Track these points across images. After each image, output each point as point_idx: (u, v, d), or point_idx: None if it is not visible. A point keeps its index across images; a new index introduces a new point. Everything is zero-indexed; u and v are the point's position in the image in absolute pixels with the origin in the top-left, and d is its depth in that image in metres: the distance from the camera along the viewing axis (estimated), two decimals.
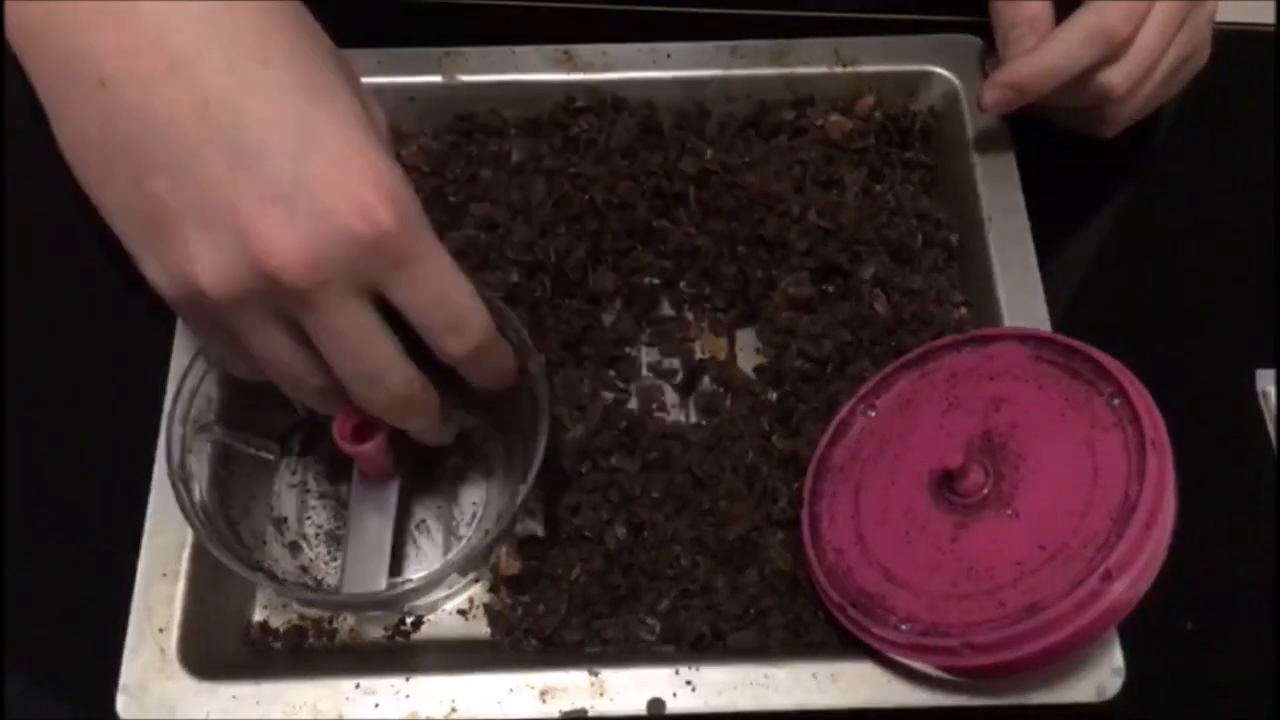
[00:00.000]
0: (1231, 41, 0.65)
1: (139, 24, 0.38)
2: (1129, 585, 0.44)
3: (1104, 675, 0.48)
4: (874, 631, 0.48)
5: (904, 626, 0.47)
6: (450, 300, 0.43)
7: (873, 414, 0.54)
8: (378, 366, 0.43)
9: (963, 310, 0.58)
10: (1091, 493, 0.46)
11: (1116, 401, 0.48)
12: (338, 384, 0.43)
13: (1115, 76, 0.57)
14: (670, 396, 0.58)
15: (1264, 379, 0.59)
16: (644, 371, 0.59)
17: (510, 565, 0.52)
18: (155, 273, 0.41)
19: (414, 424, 0.47)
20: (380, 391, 0.43)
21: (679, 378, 0.58)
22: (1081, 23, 0.56)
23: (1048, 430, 0.49)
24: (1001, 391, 0.51)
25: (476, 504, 0.55)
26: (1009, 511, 0.48)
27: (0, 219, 0.62)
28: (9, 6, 0.40)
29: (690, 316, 0.60)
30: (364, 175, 0.39)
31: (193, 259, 0.39)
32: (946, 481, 0.49)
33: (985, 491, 0.48)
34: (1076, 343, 0.50)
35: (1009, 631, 0.45)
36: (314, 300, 0.40)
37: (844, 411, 0.54)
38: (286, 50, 0.40)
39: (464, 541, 0.54)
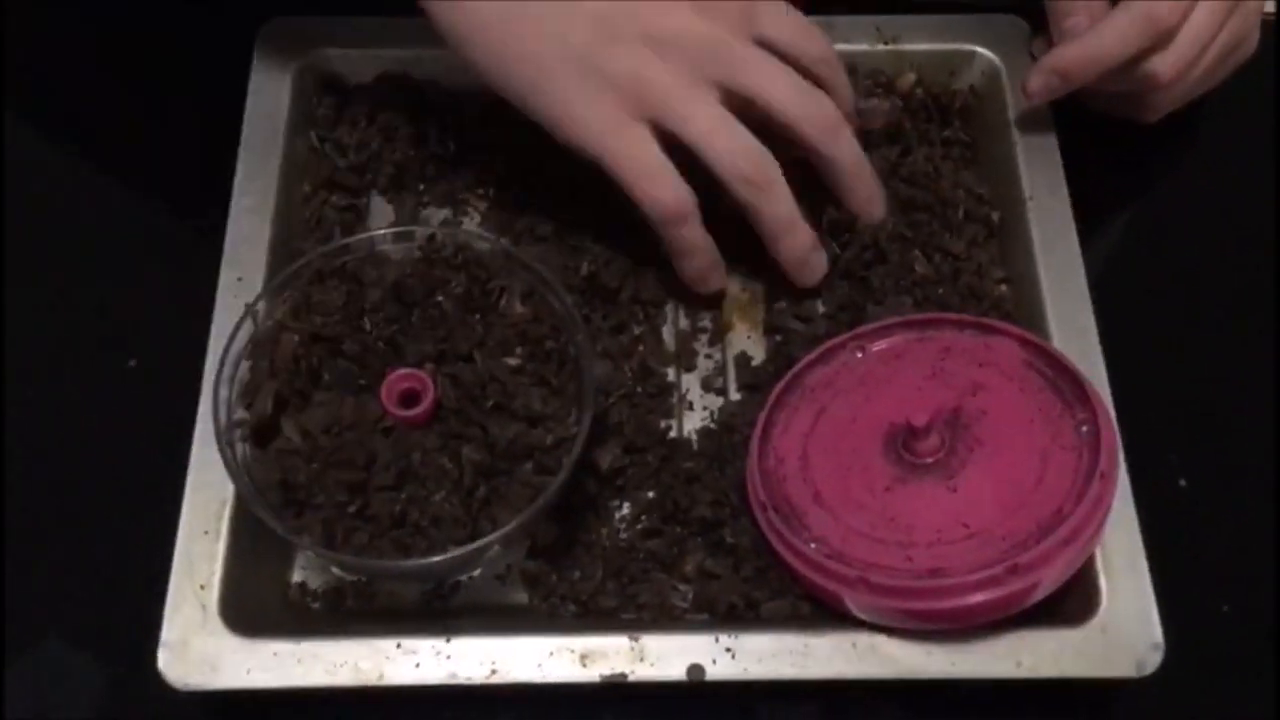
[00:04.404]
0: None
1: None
2: (1029, 584, 0.46)
3: (1143, 650, 0.48)
4: (786, 539, 0.49)
5: (813, 545, 0.49)
6: (813, 29, 0.56)
7: (860, 355, 0.55)
8: (803, 87, 0.54)
9: (1003, 287, 0.58)
10: (1030, 497, 0.48)
11: (1084, 429, 0.49)
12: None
13: (1161, 64, 0.57)
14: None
15: None
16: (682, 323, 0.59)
17: (546, 533, 0.52)
18: (638, 144, 0.52)
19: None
20: (817, 108, 0.54)
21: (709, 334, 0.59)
22: (1129, 10, 0.56)
23: (1012, 430, 0.50)
24: (985, 380, 0.52)
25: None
26: (949, 485, 0.49)
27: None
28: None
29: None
30: None
31: (649, 83, 0.52)
32: (904, 437, 0.50)
33: (935, 459, 0.50)
34: (1069, 363, 0.51)
35: (906, 582, 0.47)
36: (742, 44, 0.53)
37: (836, 341, 0.55)
38: None
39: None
